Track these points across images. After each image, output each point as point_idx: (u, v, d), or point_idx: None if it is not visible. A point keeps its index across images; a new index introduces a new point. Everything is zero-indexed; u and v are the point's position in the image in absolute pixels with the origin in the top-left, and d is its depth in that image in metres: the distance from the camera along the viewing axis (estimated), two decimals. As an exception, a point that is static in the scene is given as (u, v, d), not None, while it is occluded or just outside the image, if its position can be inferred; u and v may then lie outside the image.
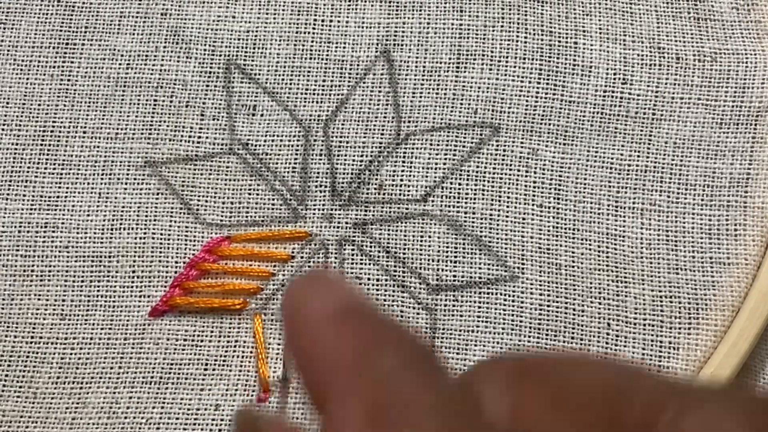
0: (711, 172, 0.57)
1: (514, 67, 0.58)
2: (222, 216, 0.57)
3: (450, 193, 0.57)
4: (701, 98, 0.58)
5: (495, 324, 0.55)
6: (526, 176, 0.57)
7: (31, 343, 0.55)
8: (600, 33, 0.59)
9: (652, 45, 0.59)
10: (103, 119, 0.58)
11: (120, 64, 0.59)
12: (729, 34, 0.59)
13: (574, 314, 0.55)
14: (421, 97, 0.58)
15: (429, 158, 0.57)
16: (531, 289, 0.55)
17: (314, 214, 0.57)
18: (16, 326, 0.55)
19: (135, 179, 0.57)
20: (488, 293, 0.55)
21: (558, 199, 0.56)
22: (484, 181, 0.57)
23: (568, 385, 0.26)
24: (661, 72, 0.58)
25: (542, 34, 0.59)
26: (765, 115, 0.57)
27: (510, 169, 0.57)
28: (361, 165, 0.57)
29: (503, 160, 0.57)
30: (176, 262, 0.56)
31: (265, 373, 0.54)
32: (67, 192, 0.57)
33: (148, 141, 0.58)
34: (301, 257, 0.56)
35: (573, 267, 0.55)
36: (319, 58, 0.59)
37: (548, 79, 0.58)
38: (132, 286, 0.55)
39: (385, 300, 0.55)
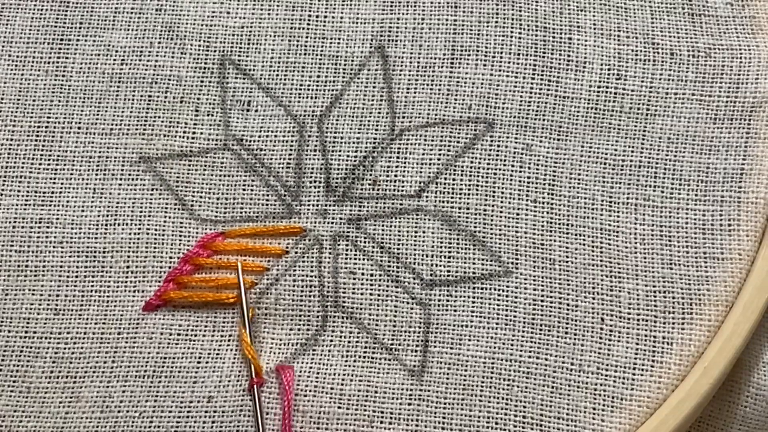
0: (705, 167, 0.57)
1: (509, 62, 0.59)
2: (216, 211, 0.57)
3: (444, 188, 0.57)
4: (695, 94, 0.58)
5: (489, 319, 0.55)
6: (520, 171, 0.57)
7: (25, 337, 0.55)
8: (594, 29, 0.59)
9: (647, 41, 0.59)
10: (97, 115, 0.58)
11: (115, 59, 0.59)
12: (723, 29, 0.59)
13: (567, 309, 0.55)
14: (415, 92, 0.58)
15: (423, 154, 0.57)
16: (525, 284, 0.55)
17: (308, 209, 0.57)
18: (10, 321, 0.55)
19: (129, 175, 0.57)
20: (482, 288, 0.55)
21: (552, 194, 0.56)
22: (478, 176, 0.57)
23: None
24: (655, 68, 0.58)
25: (536, 30, 0.59)
26: (759, 110, 0.57)
27: (504, 165, 0.57)
28: (355, 160, 0.57)
29: (497, 155, 0.57)
30: (170, 258, 0.56)
31: (253, 356, 0.54)
32: (61, 187, 0.57)
33: (142, 137, 0.58)
34: (296, 252, 0.56)
35: (567, 262, 0.55)
36: (313, 54, 0.59)
37: (542, 75, 0.58)
38: (126, 281, 0.55)
39: (379, 295, 0.55)
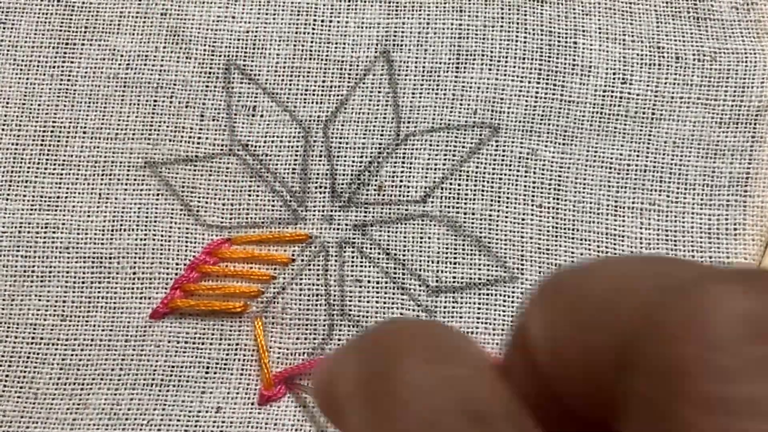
0: (710, 171, 0.57)
1: (514, 67, 0.58)
2: (222, 218, 0.57)
3: (449, 193, 0.57)
4: (701, 98, 0.58)
5: (495, 325, 0.55)
6: (526, 176, 0.57)
7: (32, 344, 0.55)
8: (599, 33, 0.59)
9: (652, 45, 0.59)
10: (103, 119, 0.58)
11: (120, 64, 0.59)
12: (728, 33, 0.59)
13: (573, 315, 0.55)
14: (420, 97, 0.58)
15: (428, 159, 0.57)
16: (531, 289, 0.55)
17: (314, 215, 0.57)
18: (17, 327, 0.55)
19: (135, 180, 0.57)
20: (488, 294, 0.55)
21: (557, 199, 0.56)
22: (483, 181, 0.57)
23: (593, 298, 0.25)
24: (660, 71, 0.58)
25: (542, 34, 0.59)
26: (764, 114, 0.57)
27: (509, 170, 0.57)
28: (360, 166, 0.57)
29: (503, 160, 0.57)
30: (177, 264, 0.56)
31: (268, 375, 0.54)
32: (67, 193, 0.57)
33: (148, 141, 0.58)
34: (302, 260, 0.56)
35: (572, 267, 0.55)
36: (318, 59, 0.59)
37: (548, 79, 0.58)
38: (133, 288, 0.56)
39: (385, 302, 0.55)
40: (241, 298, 0.55)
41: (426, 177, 0.57)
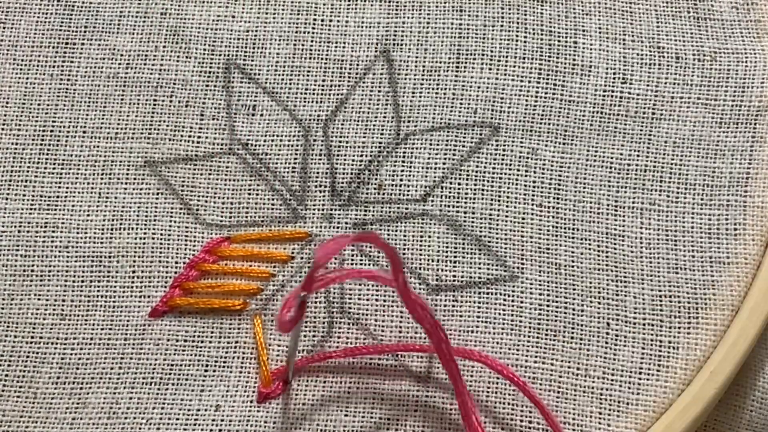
0: (711, 171, 0.57)
1: (514, 66, 0.58)
2: (222, 216, 0.57)
3: (449, 192, 0.57)
4: (701, 98, 0.58)
5: (494, 324, 0.55)
6: (526, 176, 0.57)
7: (31, 343, 0.55)
8: (600, 32, 0.59)
9: (652, 44, 0.59)
10: (102, 119, 0.58)
11: (120, 63, 0.59)
12: (729, 33, 0.59)
13: (573, 314, 0.55)
14: (420, 96, 0.58)
15: (428, 158, 0.57)
16: (530, 288, 0.55)
17: (314, 214, 0.57)
18: (16, 326, 0.55)
19: (135, 179, 0.57)
20: (488, 293, 0.55)
21: (557, 198, 0.56)
22: (483, 180, 0.57)
23: None
24: (660, 71, 0.58)
25: (542, 34, 0.59)
26: (764, 114, 0.57)
27: (509, 169, 0.57)
28: (360, 165, 0.57)
29: (503, 159, 0.57)
30: (176, 263, 0.56)
31: (266, 373, 0.54)
32: (66, 192, 0.57)
33: (147, 141, 0.58)
34: (301, 258, 0.56)
35: (572, 267, 0.55)
36: (318, 58, 0.59)
37: (548, 79, 0.58)
38: (132, 287, 0.55)
39: (385, 300, 0.55)
40: (240, 295, 0.55)
41: (426, 176, 0.57)
